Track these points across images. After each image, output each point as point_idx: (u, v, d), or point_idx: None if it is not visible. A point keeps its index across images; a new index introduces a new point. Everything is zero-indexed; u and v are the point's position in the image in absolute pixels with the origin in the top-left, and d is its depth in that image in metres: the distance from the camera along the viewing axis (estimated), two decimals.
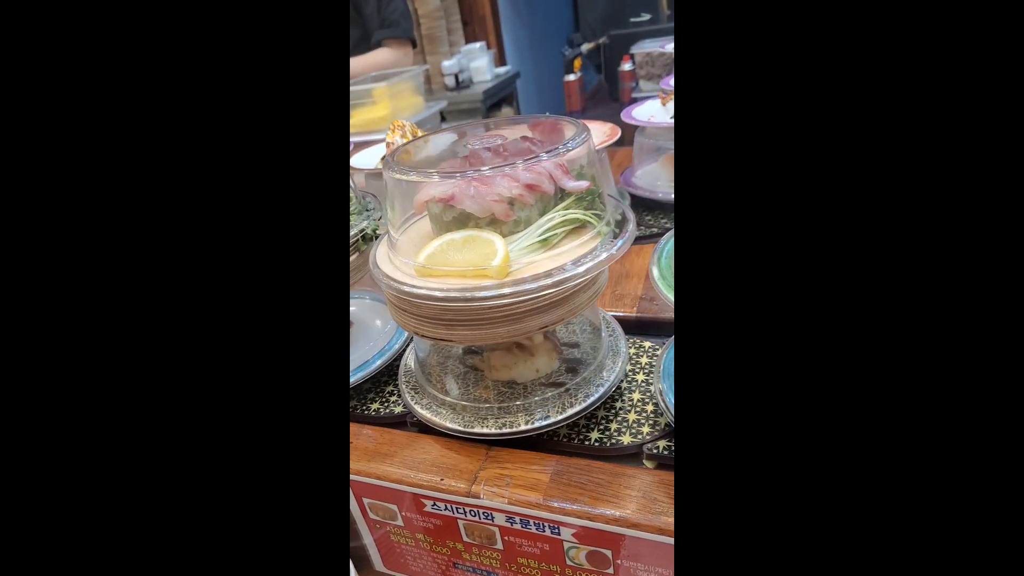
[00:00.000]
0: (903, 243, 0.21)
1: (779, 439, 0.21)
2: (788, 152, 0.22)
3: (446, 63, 2.41)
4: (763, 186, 0.22)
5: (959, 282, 0.20)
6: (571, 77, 2.91)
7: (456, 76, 2.44)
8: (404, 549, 0.49)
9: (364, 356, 0.54)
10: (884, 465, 0.21)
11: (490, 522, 0.42)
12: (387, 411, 0.51)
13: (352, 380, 0.52)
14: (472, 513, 0.42)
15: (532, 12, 3.00)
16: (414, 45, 1.61)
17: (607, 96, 3.10)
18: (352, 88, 1.29)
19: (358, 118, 1.31)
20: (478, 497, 0.41)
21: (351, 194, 0.54)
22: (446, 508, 0.43)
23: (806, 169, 0.21)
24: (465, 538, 0.44)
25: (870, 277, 0.21)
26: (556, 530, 0.39)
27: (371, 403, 0.52)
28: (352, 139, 1.15)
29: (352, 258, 0.51)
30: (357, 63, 1.50)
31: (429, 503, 0.43)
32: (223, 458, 0.24)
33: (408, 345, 0.55)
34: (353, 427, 0.50)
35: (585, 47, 2.62)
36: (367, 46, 1.57)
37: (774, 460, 0.21)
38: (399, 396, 0.50)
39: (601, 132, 0.77)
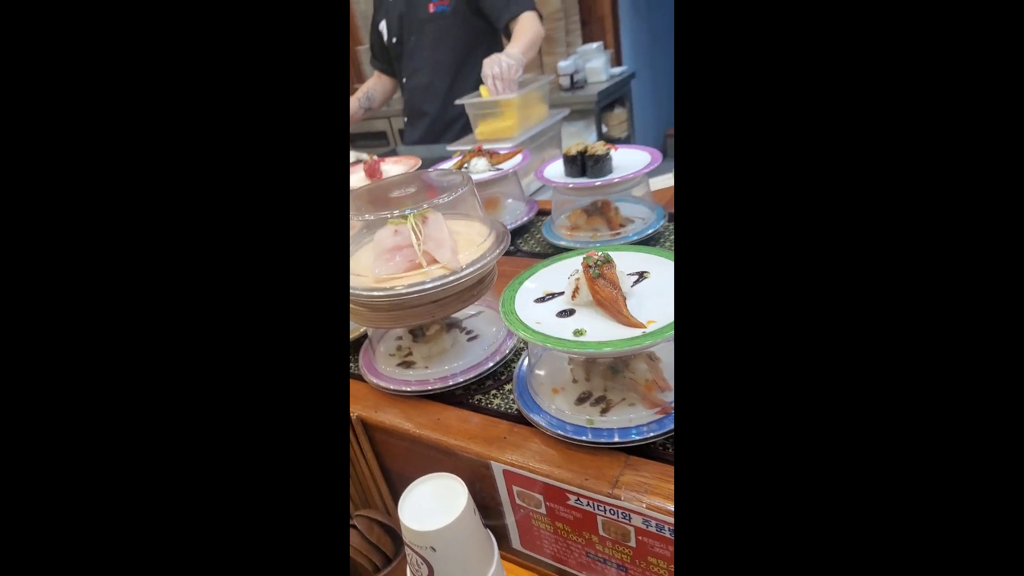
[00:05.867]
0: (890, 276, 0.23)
1: (778, 440, 0.23)
2: (788, 162, 0.23)
3: (562, 64, 2.46)
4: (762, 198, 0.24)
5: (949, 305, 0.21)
6: None
7: (571, 77, 2.48)
8: (542, 533, 0.57)
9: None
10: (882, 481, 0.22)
11: (627, 522, 0.48)
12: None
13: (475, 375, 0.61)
14: (612, 512, 0.48)
15: (652, 9, 2.96)
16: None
17: None
18: (484, 100, 1.38)
19: (486, 127, 1.40)
20: (618, 499, 0.47)
21: None
22: (588, 504, 0.50)
23: (808, 182, 0.23)
24: (601, 532, 0.51)
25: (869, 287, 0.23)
26: None
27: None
28: (478, 146, 1.23)
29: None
30: (524, 41, 1.49)
31: (573, 498, 0.50)
32: (220, 451, 0.25)
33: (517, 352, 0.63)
34: (504, 424, 0.58)
35: None
36: (492, 39, 1.63)
37: (773, 464, 0.23)
38: (516, 403, 0.58)
39: None
